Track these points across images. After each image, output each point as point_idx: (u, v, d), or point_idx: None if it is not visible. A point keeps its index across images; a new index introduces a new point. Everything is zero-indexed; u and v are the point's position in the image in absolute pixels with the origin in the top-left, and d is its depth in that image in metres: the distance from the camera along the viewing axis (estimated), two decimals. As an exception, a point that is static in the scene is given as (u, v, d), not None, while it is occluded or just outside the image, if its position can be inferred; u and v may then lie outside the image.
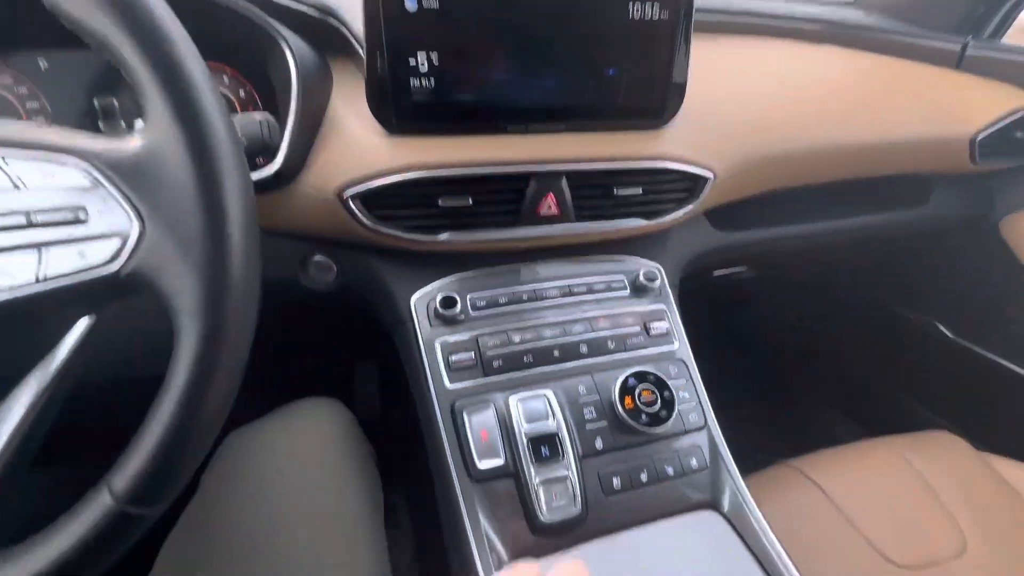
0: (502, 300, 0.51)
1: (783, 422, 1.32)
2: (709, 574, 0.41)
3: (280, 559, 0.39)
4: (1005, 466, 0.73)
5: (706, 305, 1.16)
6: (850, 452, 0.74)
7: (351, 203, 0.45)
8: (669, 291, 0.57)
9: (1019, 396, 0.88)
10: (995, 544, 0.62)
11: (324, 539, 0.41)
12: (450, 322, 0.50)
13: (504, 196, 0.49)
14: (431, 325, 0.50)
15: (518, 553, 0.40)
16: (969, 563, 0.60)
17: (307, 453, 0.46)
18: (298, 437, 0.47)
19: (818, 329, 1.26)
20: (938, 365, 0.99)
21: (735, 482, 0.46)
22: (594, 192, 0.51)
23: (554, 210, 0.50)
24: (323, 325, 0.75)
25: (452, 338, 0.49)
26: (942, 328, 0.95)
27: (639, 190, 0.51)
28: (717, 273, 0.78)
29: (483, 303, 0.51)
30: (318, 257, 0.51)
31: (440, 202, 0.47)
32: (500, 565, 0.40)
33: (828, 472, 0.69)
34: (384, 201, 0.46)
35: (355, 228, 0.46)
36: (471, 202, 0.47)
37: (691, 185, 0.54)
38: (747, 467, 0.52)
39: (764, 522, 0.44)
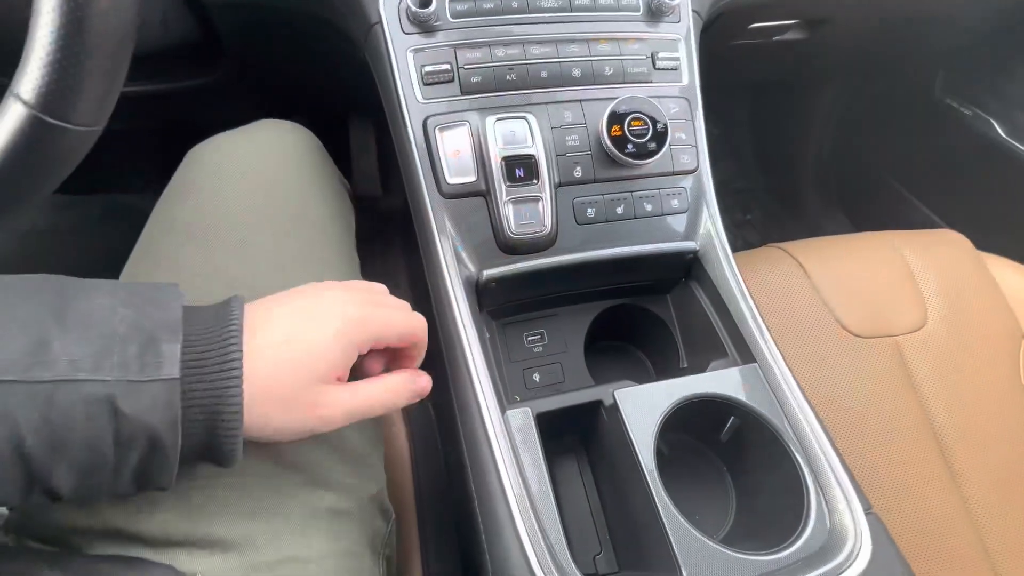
0: (487, 5, 0.43)
1: (788, 229, 1.31)
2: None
3: (249, 250, 0.40)
4: (997, 264, 0.72)
5: (734, 82, 1.03)
6: (842, 240, 0.73)
7: None
8: (690, 17, 0.48)
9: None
10: (953, 325, 0.65)
11: (292, 238, 0.41)
12: (425, 27, 0.43)
13: None
14: (403, 30, 0.43)
15: (484, 265, 0.42)
16: (920, 338, 0.64)
17: (276, 164, 0.45)
18: (264, 149, 0.45)
19: (853, 125, 1.14)
20: (979, 167, 0.91)
21: (715, 226, 0.45)
22: None
23: None
24: (307, 56, 0.67)
25: (426, 45, 0.43)
26: (996, 126, 0.84)
27: None
28: (754, 26, 0.65)
29: (464, 7, 0.43)
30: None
31: None
32: (470, 275, 0.41)
33: (814, 255, 0.69)
34: None
35: None
36: None
37: None
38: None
39: (735, 265, 0.44)
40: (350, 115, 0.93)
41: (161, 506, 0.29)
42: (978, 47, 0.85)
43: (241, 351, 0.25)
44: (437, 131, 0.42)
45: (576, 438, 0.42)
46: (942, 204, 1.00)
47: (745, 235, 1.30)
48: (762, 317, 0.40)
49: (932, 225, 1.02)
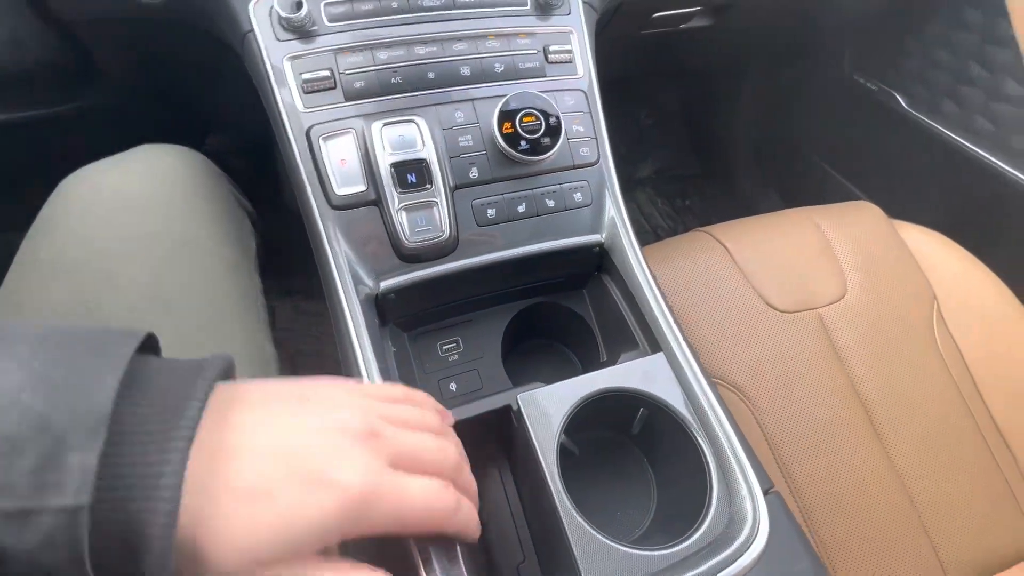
0: (365, 7, 0.42)
1: (725, 211, 1.34)
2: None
3: (121, 282, 0.37)
4: (909, 230, 0.75)
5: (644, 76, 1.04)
6: (764, 219, 0.74)
7: None
8: (580, 9, 0.47)
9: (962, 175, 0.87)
10: (871, 293, 0.67)
11: (175, 268, 0.39)
12: (301, 33, 0.41)
13: None
14: (277, 37, 0.41)
15: (381, 277, 0.40)
16: (841, 307, 0.66)
17: (154, 191, 0.42)
18: (140, 176, 0.42)
19: (775, 107, 1.18)
20: (888, 139, 0.95)
21: (620, 217, 0.45)
22: None
23: None
24: (200, 71, 0.63)
25: (304, 52, 0.41)
26: (900, 99, 0.89)
27: None
28: (658, 15, 0.66)
29: (341, 10, 0.41)
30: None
31: None
32: (369, 289, 0.39)
33: (736, 236, 0.70)
34: None
35: None
36: None
37: None
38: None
39: (639, 251, 0.43)
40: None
41: None
42: (877, 26, 0.89)
43: (182, 477, 0.18)
44: (321, 141, 0.40)
45: (497, 446, 0.41)
46: (860, 177, 1.04)
47: (685, 220, 1.32)
48: (668, 305, 0.40)
49: (854, 198, 1.06)
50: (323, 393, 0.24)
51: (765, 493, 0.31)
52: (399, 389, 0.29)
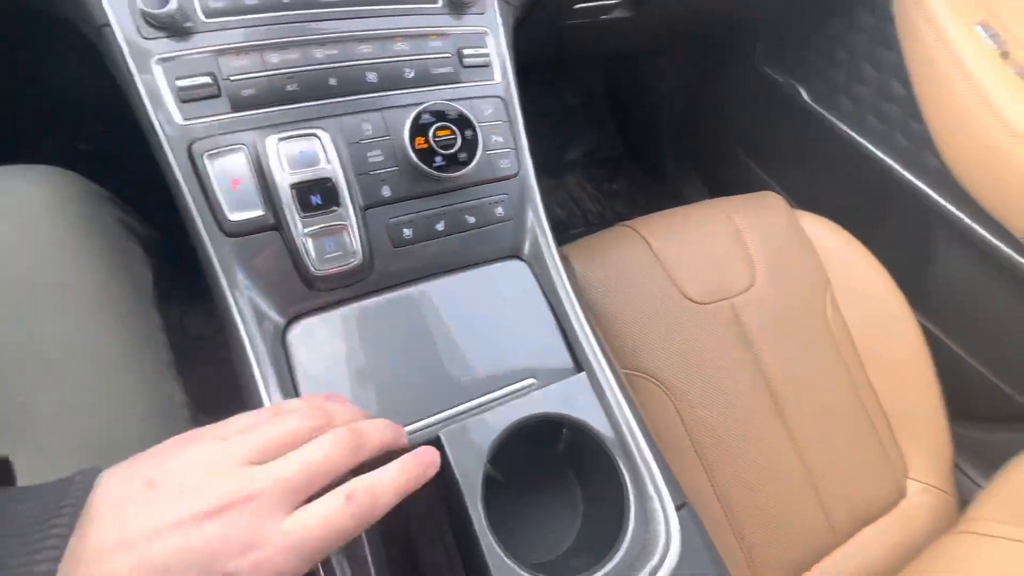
0: (249, 1, 0.37)
1: (653, 195, 1.39)
2: (502, 320, 0.41)
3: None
4: (808, 220, 0.81)
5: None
6: (683, 211, 0.77)
7: None
8: (496, 7, 0.45)
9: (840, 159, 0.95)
10: (776, 282, 0.72)
11: (60, 321, 0.33)
12: (173, 30, 0.35)
13: None
14: (142, 35, 0.35)
15: (290, 308, 0.37)
16: (750, 296, 0.70)
17: (24, 228, 0.35)
18: (6, 210, 0.35)
19: (696, 93, 1.22)
20: (793, 130, 1.02)
21: (543, 232, 0.44)
22: None
23: None
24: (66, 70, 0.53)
25: (177, 53, 0.35)
26: (803, 92, 0.94)
27: None
28: (580, 6, 0.64)
29: (220, 4, 0.36)
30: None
31: None
32: (272, 322, 0.36)
33: (657, 229, 0.72)
34: None
35: None
36: None
37: None
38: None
39: (561, 267, 0.43)
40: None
41: None
42: (785, 21, 0.93)
43: None
44: (207, 158, 0.35)
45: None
46: (770, 164, 1.11)
47: (613, 204, 1.35)
48: (590, 324, 0.41)
49: (766, 185, 1.13)
50: (173, 474, 0.22)
51: (678, 508, 0.33)
52: (263, 413, 0.27)
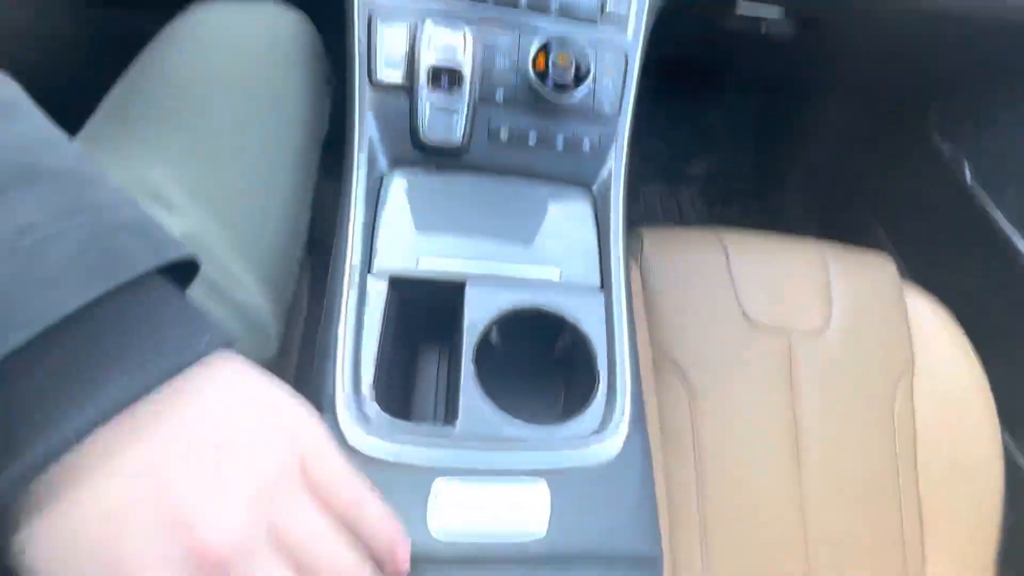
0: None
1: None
2: (553, 228, 0.46)
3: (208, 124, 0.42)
4: (915, 295, 0.75)
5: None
6: (776, 239, 0.76)
7: None
8: (650, -25, 0.50)
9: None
10: (849, 339, 0.68)
11: (255, 130, 0.44)
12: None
13: None
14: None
15: (396, 160, 0.46)
16: (814, 341, 0.68)
17: (262, 52, 0.47)
18: (255, 32, 0.47)
19: (849, 149, 1.14)
20: (941, 207, 0.93)
21: (616, 173, 0.49)
22: None
23: None
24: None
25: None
26: (967, 169, 0.86)
27: None
28: (741, 13, 0.66)
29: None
30: None
31: None
32: (378, 171, 0.45)
33: (741, 243, 0.72)
34: None
35: None
36: None
37: None
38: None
39: (621, 212, 0.47)
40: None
41: None
42: (967, 79, 0.85)
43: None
44: (379, 21, 0.45)
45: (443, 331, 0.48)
46: (896, 229, 1.02)
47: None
48: (625, 260, 0.45)
49: (883, 244, 1.04)
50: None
51: (631, 423, 0.36)
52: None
